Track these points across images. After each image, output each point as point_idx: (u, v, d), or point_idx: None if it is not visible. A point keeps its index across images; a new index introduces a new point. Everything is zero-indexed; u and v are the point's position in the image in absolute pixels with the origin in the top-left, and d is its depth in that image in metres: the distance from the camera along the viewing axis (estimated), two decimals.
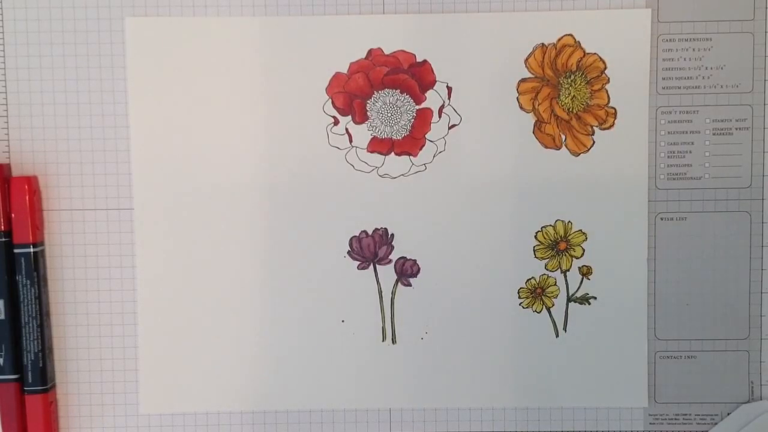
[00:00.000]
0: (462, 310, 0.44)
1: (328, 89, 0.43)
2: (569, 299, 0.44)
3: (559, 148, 0.44)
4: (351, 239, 0.44)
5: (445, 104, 0.43)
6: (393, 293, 0.44)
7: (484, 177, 0.44)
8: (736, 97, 0.43)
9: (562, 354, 0.44)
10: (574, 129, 0.43)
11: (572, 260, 0.44)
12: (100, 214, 0.44)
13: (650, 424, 0.45)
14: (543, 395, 0.45)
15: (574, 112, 0.43)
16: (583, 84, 0.43)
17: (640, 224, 0.44)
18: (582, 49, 0.43)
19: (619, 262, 0.44)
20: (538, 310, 0.45)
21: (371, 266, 0.44)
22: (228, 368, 0.44)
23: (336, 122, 0.43)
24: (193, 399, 0.45)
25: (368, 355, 0.45)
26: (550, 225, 0.44)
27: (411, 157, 0.44)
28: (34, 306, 0.42)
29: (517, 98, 0.43)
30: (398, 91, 0.43)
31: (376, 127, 0.43)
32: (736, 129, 0.44)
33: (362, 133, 0.44)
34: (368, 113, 0.43)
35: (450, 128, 0.43)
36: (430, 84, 0.43)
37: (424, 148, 0.44)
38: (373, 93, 0.43)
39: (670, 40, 0.43)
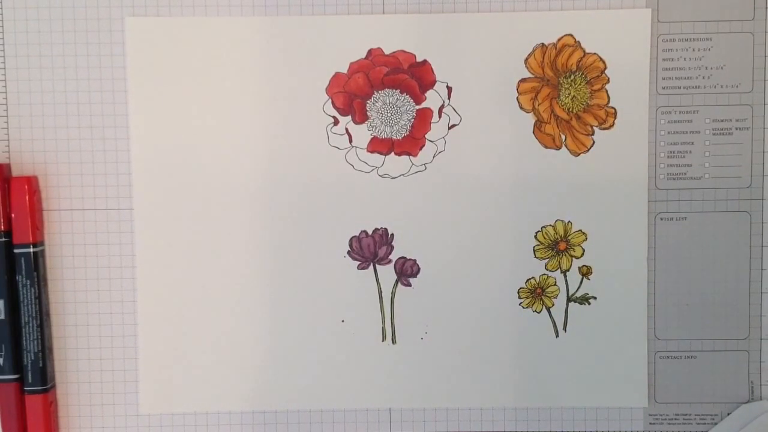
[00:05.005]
0: (462, 310, 0.44)
1: (328, 89, 0.43)
2: (569, 299, 0.44)
3: (559, 148, 0.44)
4: (351, 239, 0.44)
5: (445, 104, 0.43)
6: (393, 293, 0.44)
7: (484, 177, 0.44)
8: (736, 97, 0.43)
9: (562, 354, 0.44)
10: (574, 129, 0.43)
11: (572, 260, 0.44)
12: (100, 214, 0.44)
13: (650, 424, 0.45)
14: (543, 395, 0.45)
15: (574, 112, 0.43)
16: (583, 84, 0.43)
17: (640, 224, 0.44)
18: (582, 49, 0.43)
19: (619, 262, 0.44)
20: (538, 310, 0.45)
21: (371, 266, 0.44)
22: (228, 368, 0.44)
23: (336, 122, 0.43)
24: (193, 399, 0.45)
25: (368, 355, 0.45)
26: (550, 225, 0.44)
27: (411, 157, 0.44)
28: (34, 306, 0.42)
29: (517, 98, 0.43)
30: (398, 91, 0.43)
31: (376, 127, 0.44)
32: (736, 129, 0.44)
33: (362, 133, 0.44)
34: (368, 113, 0.43)
35: (450, 128, 0.44)
36: (430, 84, 0.43)
37: (424, 148, 0.44)
38: (373, 93, 0.43)
39: (670, 40, 0.43)
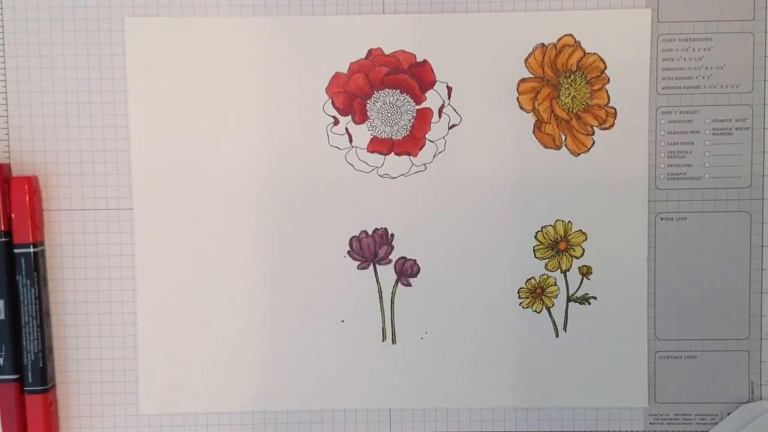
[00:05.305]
0: (462, 310, 0.44)
1: (328, 89, 0.43)
2: (569, 299, 0.44)
3: (559, 148, 0.44)
4: (351, 239, 0.44)
5: (445, 104, 0.43)
6: (393, 293, 0.44)
7: (484, 177, 0.44)
8: (736, 97, 0.43)
9: (562, 354, 0.44)
10: (574, 129, 0.43)
11: (572, 260, 0.44)
12: (100, 214, 0.44)
13: (650, 424, 0.45)
14: (543, 395, 0.45)
15: (574, 112, 0.43)
16: (583, 84, 0.43)
17: (640, 224, 0.44)
18: (582, 49, 0.43)
19: (619, 262, 0.44)
20: (538, 310, 0.45)
21: (371, 266, 0.44)
22: (228, 368, 0.44)
23: (336, 122, 0.43)
24: (193, 399, 0.45)
25: (368, 355, 0.45)
26: (550, 225, 0.44)
27: (411, 157, 0.44)
28: (34, 306, 0.42)
29: (517, 98, 0.43)
30: (398, 91, 0.43)
31: (376, 127, 0.44)
32: (736, 129, 0.44)
33: (362, 133, 0.44)
34: (368, 113, 0.43)
35: (450, 128, 0.44)
36: (430, 84, 0.43)
37: (424, 148, 0.44)
38: (373, 93, 0.43)
39: (670, 40, 0.43)
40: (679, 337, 0.45)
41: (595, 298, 0.44)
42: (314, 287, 0.44)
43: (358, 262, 0.44)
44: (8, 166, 0.43)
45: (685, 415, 0.45)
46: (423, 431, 0.45)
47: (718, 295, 0.44)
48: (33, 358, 0.43)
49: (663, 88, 0.43)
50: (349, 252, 0.44)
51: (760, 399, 0.45)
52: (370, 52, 0.43)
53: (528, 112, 0.43)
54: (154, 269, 0.44)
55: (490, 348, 0.44)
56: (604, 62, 0.43)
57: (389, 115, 0.43)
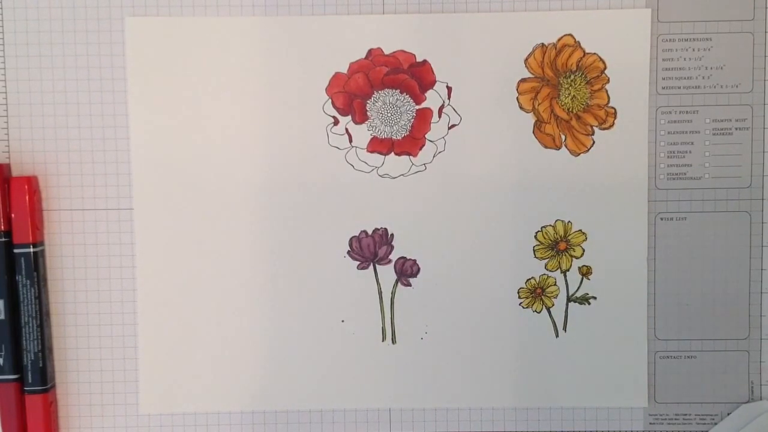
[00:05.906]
0: (462, 310, 0.44)
1: (328, 89, 0.43)
2: (569, 299, 0.44)
3: (559, 148, 0.44)
4: (351, 239, 0.44)
5: (445, 104, 0.43)
6: (393, 293, 0.44)
7: (484, 177, 0.44)
8: (736, 97, 0.43)
9: (562, 354, 0.44)
10: (574, 129, 0.43)
11: (572, 260, 0.44)
12: (100, 214, 0.44)
13: (650, 424, 0.45)
14: (543, 395, 0.45)
15: (574, 112, 0.43)
16: (583, 84, 0.43)
17: (640, 224, 0.44)
18: (582, 49, 0.43)
19: (619, 262, 0.44)
20: (538, 310, 0.45)
21: (371, 266, 0.44)
22: (228, 368, 0.44)
23: (336, 122, 0.43)
24: (193, 399, 0.45)
25: (368, 355, 0.45)
26: (550, 225, 0.44)
27: (411, 157, 0.44)
28: (34, 306, 0.42)
29: (517, 98, 0.43)
30: (398, 91, 0.43)
31: (376, 127, 0.44)
32: (736, 129, 0.44)
33: (362, 133, 0.44)
34: (368, 113, 0.43)
35: (450, 128, 0.44)
36: (430, 84, 0.43)
37: (424, 148, 0.44)
38: (373, 93, 0.43)
39: (670, 40, 0.43)
40: (679, 337, 0.45)
41: (595, 298, 0.44)
42: (314, 287, 0.44)
43: (358, 262, 0.44)
44: (8, 166, 0.43)
45: (685, 415, 0.45)
46: (423, 431, 0.45)
47: (718, 295, 0.44)
48: (33, 358, 0.43)
49: (663, 88, 0.43)
50: (349, 252, 0.44)
51: (760, 399, 0.45)
52: (370, 52, 0.43)
53: (528, 112, 0.43)
54: (154, 269, 0.44)
55: (490, 348, 0.44)
56: (604, 62, 0.43)
57: (389, 115, 0.43)
